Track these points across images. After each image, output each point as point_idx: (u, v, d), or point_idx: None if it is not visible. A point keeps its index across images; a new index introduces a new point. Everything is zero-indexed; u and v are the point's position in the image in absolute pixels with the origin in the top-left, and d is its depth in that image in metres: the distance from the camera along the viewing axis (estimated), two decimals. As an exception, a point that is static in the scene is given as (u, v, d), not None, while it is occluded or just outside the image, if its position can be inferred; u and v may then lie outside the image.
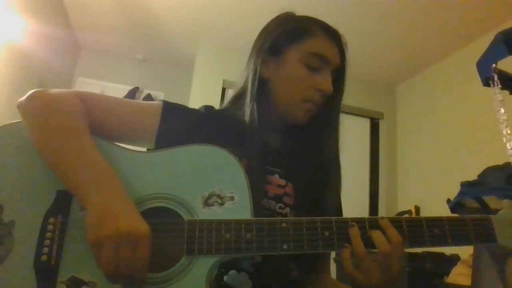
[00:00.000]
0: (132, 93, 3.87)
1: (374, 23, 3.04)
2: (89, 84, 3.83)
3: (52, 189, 0.66)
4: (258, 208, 0.68)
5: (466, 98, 2.99)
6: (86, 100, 0.73)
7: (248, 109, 0.81)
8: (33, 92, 0.71)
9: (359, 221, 0.64)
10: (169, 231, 0.64)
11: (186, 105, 0.87)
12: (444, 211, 1.43)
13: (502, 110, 1.02)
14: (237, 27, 3.27)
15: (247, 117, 0.81)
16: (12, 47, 2.55)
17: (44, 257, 0.62)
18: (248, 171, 0.68)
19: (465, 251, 2.08)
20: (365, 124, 3.91)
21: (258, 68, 0.83)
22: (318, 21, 0.86)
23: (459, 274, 1.98)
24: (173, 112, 0.81)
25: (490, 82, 1.05)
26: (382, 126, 3.93)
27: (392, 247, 0.61)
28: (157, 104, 0.81)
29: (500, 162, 1.37)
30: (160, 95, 3.99)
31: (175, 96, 3.66)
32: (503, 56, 1.04)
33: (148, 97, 3.93)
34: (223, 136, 0.76)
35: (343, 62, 0.86)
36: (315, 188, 0.81)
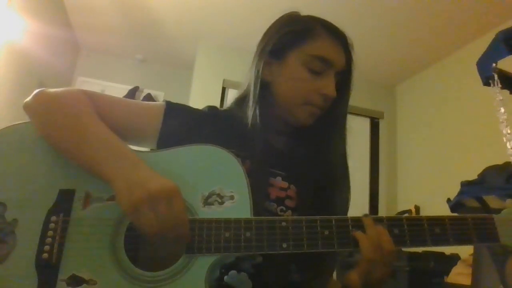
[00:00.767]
0: (132, 93, 3.88)
1: (374, 23, 3.04)
2: (89, 84, 3.83)
3: (54, 188, 0.67)
4: (259, 210, 0.67)
5: (466, 97, 2.99)
6: (89, 96, 0.74)
7: (250, 112, 0.81)
8: (38, 91, 0.72)
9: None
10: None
11: (189, 105, 0.86)
12: (444, 211, 1.43)
13: (502, 110, 1.02)
14: (237, 27, 3.28)
15: (249, 120, 0.80)
16: (12, 47, 2.55)
17: (45, 255, 0.62)
18: (251, 173, 0.68)
19: (465, 251, 2.08)
20: (365, 123, 3.92)
21: (260, 71, 0.82)
22: (322, 22, 0.84)
23: (459, 274, 1.98)
24: (176, 113, 0.81)
25: (490, 81, 1.06)
26: (382, 125, 3.93)
27: (375, 248, 0.62)
28: (160, 104, 0.81)
29: (500, 161, 1.37)
30: (160, 95, 4.00)
31: (175, 96, 3.65)
32: (503, 55, 1.04)
33: (148, 97, 3.93)
34: (226, 137, 0.76)
35: (349, 64, 0.84)
36: (318, 191, 0.80)
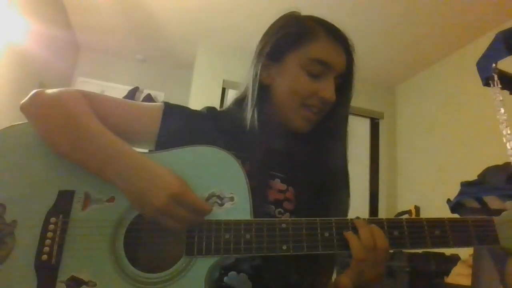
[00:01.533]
0: (132, 93, 3.87)
1: (374, 23, 3.04)
2: (89, 84, 3.83)
3: (54, 189, 0.67)
4: (257, 212, 0.67)
5: (466, 98, 2.99)
6: (86, 97, 0.74)
7: (249, 115, 0.80)
8: (34, 92, 0.72)
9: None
10: (169, 231, 0.64)
11: (186, 105, 0.86)
12: (444, 211, 1.43)
13: (502, 110, 1.02)
14: (237, 27, 3.28)
15: (248, 122, 0.79)
16: (12, 47, 2.55)
17: (44, 257, 0.62)
18: (250, 175, 0.68)
19: (465, 251, 2.08)
20: (365, 124, 3.91)
21: (258, 73, 0.81)
22: (322, 23, 0.82)
23: (459, 274, 1.98)
24: (174, 114, 0.80)
25: (490, 82, 1.05)
26: (382, 126, 3.93)
27: (366, 250, 0.62)
28: (158, 105, 0.81)
29: (500, 162, 1.37)
30: (160, 95, 4.00)
31: (175, 96, 3.66)
32: (503, 56, 1.03)
33: (148, 97, 3.93)
34: (225, 139, 0.75)
35: (350, 67, 0.82)
36: (317, 194, 0.79)
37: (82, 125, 0.67)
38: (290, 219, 0.65)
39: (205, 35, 3.54)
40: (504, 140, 0.99)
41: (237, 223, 0.63)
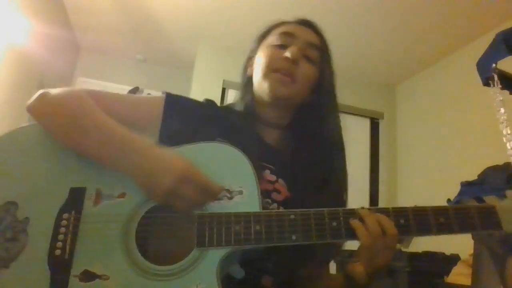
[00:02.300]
0: (132, 93, 3.87)
1: (374, 23, 3.04)
2: (89, 84, 3.83)
3: (65, 186, 0.68)
4: None
5: (466, 98, 2.99)
6: (91, 94, 0.76)
7: (238, 107, 0.87)
8: (40, 93, 0.74)
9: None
10: (180, 224, 0.66)
11: (184, 96, 0.88)
12: (444, 211, 1.42)
13: (502, 110, 1.02)
14: (237, 27, 3.27)
15: (238, 112, 0.86)
16: (12, 47, 2.55)
17: (57, 252, 0.63)
18: None
19: (465, 251, 2.08)
20: (365, 124, 3.92)
21: (245, 71, 0.91)
22: (289, 19, 0.92)
23: (459, 274, 1.98)
24: (175, 103, 0.82)
25: (490, 82, 1.05)
26: (382, 126, 3.93)
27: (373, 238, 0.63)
28: (159, 96, 0.83)
29: (500, 162, 1.37)
30: (160, 95, 4.00)
31: (175, 96, 3.65)
32: (503, 56, 1.04)
33: (148, 97, 3.93)
34: (220, 129, 0.78)
35: (319, 39, 0.88)
36: (308, 186, 0.81)
37: (91, 118, 0.70)
38: (298, 210, 0.66)
39: (205, 35, 3.54)
40: (504, 140, 0.99)
41: (247, 215, 0.65)
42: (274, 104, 0.86)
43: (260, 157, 0.81)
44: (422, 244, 2.62)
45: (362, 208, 0.66)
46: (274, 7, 2.79)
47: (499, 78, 1.04)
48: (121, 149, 0.67)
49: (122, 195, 0.67)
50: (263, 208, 0.76)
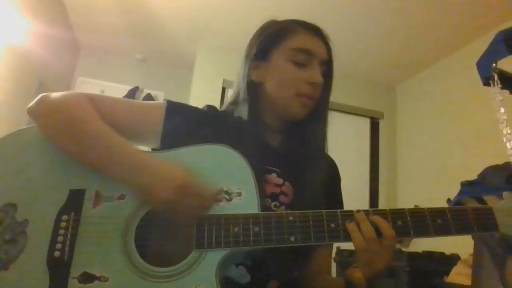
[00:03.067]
0: (132, 93, 3.87)
1: (374, 23, 3.04)
2: (89, 84, 3.83)
3: (64, 188, 0.68)
4: None
5: (466, 97, 2.99)
6: (91, 100, 0.76)
7: (244, 112, 0.86)
8: (41, 96, 0.74)
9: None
10: (179, 226, 0.66)
11: (188, 104, 0.88)
12: (444, 211, 1.42)
13: (502, 110, 1.02)
14: (237, 26, 3.28)
15: (244, 119, 0.85)
16: (12, 47, 2.55)
17: (57, 254, 0.63)
18: None
19: (465, 251, 2.08)
20: (365, 123, 3.91)
21: (247, 74, 0.88)
22: (296, 20, 0.89)
23: (459, 274, 1.98)
24: (177, 111, 0.82)
25: (490, 81, 1.05)
26: (382, 125, 3.93)
27: (368, 242, 0.63)
28: (161, 103, 0.83)
29: (500, 161, 1.37)
30: (160, 95, 4.00)
31: (175, 96, 3.63)
32: (503, 55, 1.03)
33: (148, 97, 3.93)
34: (224, 135, 0.78)
35: (330, 55, 0.89)
36: (313, 186, 0.82)
37: (88, 127, 0.70)
38: (297, 211, 0.66)
39: (205, 35, 3.54)
40: (504, 140, 0.99)
41: (245, 216, 0.65)
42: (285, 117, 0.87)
43: (266, 161, 0.82)
44: (422, 243, 2.63)
45: (358, 211, 0.66)
46: (274, 7, 2.79)
47: (499, 77, 1.04)
48: (117, 162, 0.67)
49: (121, 197, 0.67)
50: (271, 211, 0.77)
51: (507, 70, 1.08)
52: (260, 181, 0.77)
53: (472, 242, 1.28)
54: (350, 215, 0.66)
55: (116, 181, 0.67)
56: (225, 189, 0.67)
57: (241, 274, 0.70)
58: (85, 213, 0.66)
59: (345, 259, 2.57)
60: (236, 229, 0.64)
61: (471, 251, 1.38)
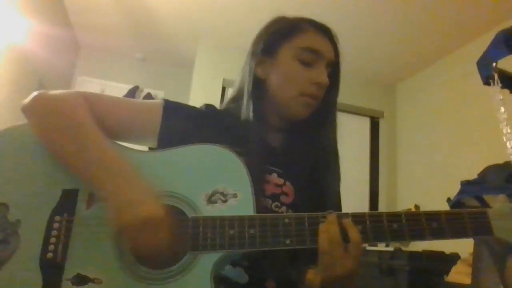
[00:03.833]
0: (132, 92, 3.87)
1: (374, 22, 3.04)
2: (89, 83, 3.83)
3: (57, 188, 0.67)
4: (255, 206, 0.68)
5: (466, 97, 2.99)
6: (88, 99, 0.74)
7: (245, 109, 0.84)
8: (36, 94, 0.72)
9: (345, 215, 0.64)
10: (174, 228, 0.65)
11: (186, 103, 0.87)
12: (444, 210, 1.43)
13: (502, 109, 1.02)
14: (237, 25, 3.27)
15: (245, 116, 0.83)
16: (12, 47, 2.55)
17: (49, 255, 0.63)
18: (247, 169, 0.69)
19: (465, 250, 2.08)
20: (365, 123, 3.91)
21: (253, 69, 0.85)
22: (306, 18, 0.88)
23: (459, 273, 1.99)
24: (174, 110, 0.81)
25: (491, 81, 1.05)
26: (382, 125, 3.93)
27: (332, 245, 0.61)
28: (158, 102, 0.82)
29: (500, 161, 1.37)
30: (160, 94, 4.00)
31: (175, 95, 3.65)
32: (503, 55, 1.03)
33: (148, 96, 3.93)
34: (223, 135, 0.77)
35: (337, 56, 0.88)
36: (314, 187, 0.81)
37: (81, 135, 0.68)
38: (293, 214, 0.66)
39: (205, 34, 3.54)
40: (504, 139, 0.99)
41: (241, 218, 0.64)
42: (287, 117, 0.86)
43: (267, 161, 0.81)
44: (422, 243, 2.63)
45: (330, 212, 0.64)
46: (274, 6, 2.78)
47: (499, 77, 1.04)
48: (108, 171, 0.65)
49: None
50: (272, 211, 0.75)
51: (507, 69, 1.08)
52: (260, 181, 0.77)
53: (472, 241, 1.28)
54: (346, 216, 0.64)
55: (91, 188, 0.66)
56: (220, 191, 0.66)
57: (239, 275, 0.69)
58: (78, 214, 0.65)
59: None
60: (231, 232, 0.63)
61: (471, 250, 1.38)
